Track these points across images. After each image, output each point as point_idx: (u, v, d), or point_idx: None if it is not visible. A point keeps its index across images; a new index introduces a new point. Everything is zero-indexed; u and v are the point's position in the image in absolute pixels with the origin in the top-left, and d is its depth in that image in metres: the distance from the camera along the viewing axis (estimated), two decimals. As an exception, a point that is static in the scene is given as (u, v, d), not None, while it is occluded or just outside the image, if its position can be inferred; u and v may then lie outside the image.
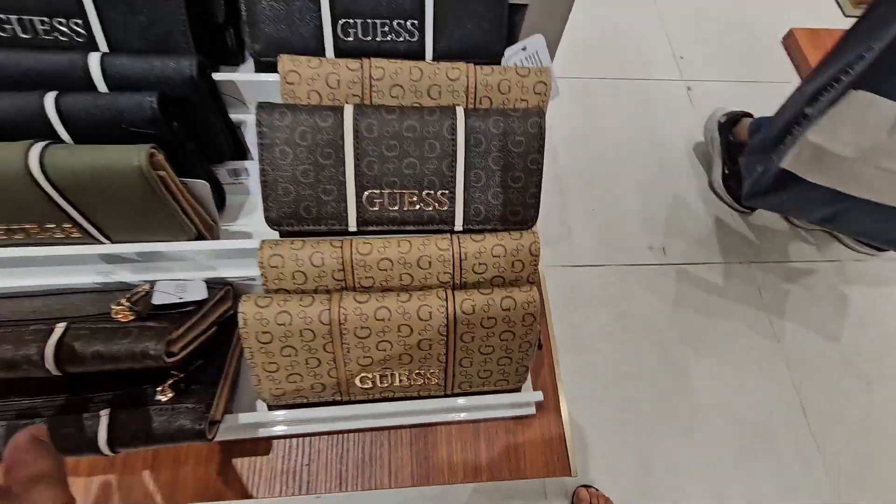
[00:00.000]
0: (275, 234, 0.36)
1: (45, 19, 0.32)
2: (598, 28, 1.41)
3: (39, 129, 0.29)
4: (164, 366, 0.28)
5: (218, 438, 0.34)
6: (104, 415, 0.30)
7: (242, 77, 0.36)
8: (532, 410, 0.40)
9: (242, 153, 0.40)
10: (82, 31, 0.33)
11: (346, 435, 0.39)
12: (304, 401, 0.34)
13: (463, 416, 0.39)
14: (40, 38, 0.33)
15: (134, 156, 0.28)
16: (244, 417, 0.35)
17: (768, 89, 1.43)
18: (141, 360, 0.28)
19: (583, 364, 0.95)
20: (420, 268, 0.33)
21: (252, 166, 0.40)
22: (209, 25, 0.37)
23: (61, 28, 0.33)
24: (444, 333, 0.32)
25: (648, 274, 1.09)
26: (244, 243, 0.33)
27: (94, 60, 0.30)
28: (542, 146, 0.34)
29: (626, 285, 1.06)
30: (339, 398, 0.35)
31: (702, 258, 1.11)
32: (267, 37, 0.36)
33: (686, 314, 1.04)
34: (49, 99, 0.29)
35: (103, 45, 0.34)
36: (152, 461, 0.36)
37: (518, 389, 0.38)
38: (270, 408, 0.35)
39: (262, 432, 0.36)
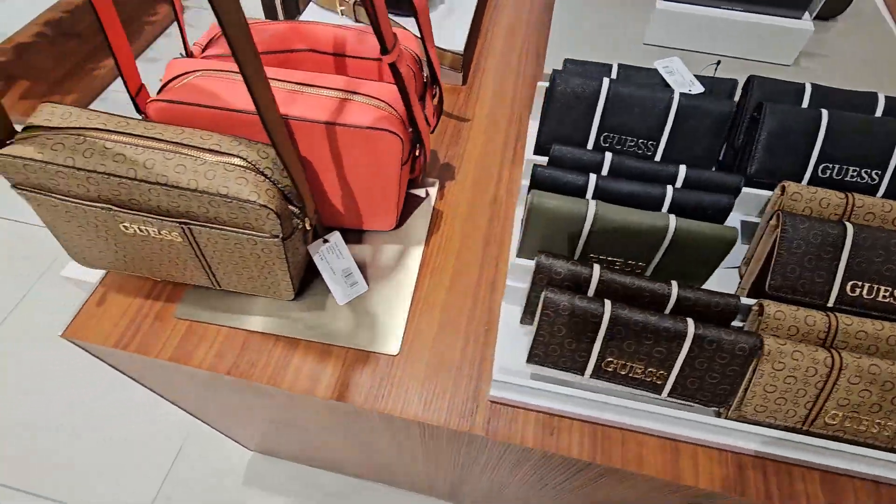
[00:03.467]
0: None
1: (634, 139, 0.53)
2: None
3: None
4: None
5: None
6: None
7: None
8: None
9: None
10: (651, 149, 0.53)
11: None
12: (772, 421, 0.47)
13: None
14: (625, 148, 0.54)
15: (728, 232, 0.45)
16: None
17: None
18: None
19: None
20: None
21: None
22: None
23: (640, 144, 0.53)
24: (917, 396, 0.43)
25: None
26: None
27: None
28: None
29: None
30: (800, 427, 0.46)
31: None
32: (762, 164, 0.53)
33: None
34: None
35: (658, 156, 0.53)
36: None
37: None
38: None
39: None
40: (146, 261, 0.53)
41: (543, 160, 0.55)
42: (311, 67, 0.56)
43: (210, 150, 0.44)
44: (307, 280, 0.61)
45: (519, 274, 0.53)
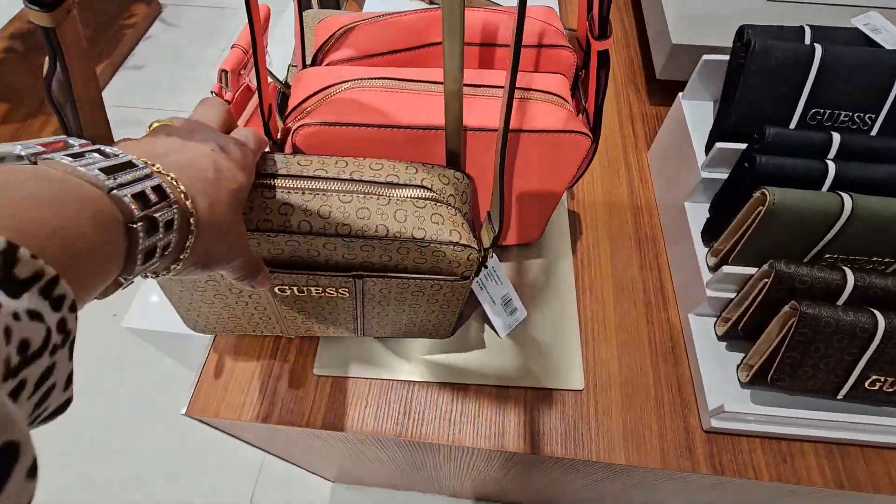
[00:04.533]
0: None
1: (848, 113, 0.45)
2: None
3: None
4: None
5: None
6: None
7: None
8: None
9: None
10: (867, 123, 0.46)
11: None
12: None
13: None
14: (836, 125, 0.46)
15: None
16: None
17: None
18: None
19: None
20: None
21: None
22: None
23: (855, 118, 0.45)
24: None
25: None
26: None
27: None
28: None
29: None
30: None
31: None
32: None
33: None
34: None
35: (874, 131, 0.46)
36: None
37: None
38: None
39: None
40: (286, 320, 0.44)
41: (735, 147, 0.47)
42: (451, 62, 0.46)
43: (389, 184, 0.35)
44: (454, 312, 0.52)
45: (727, 282, 0.46)
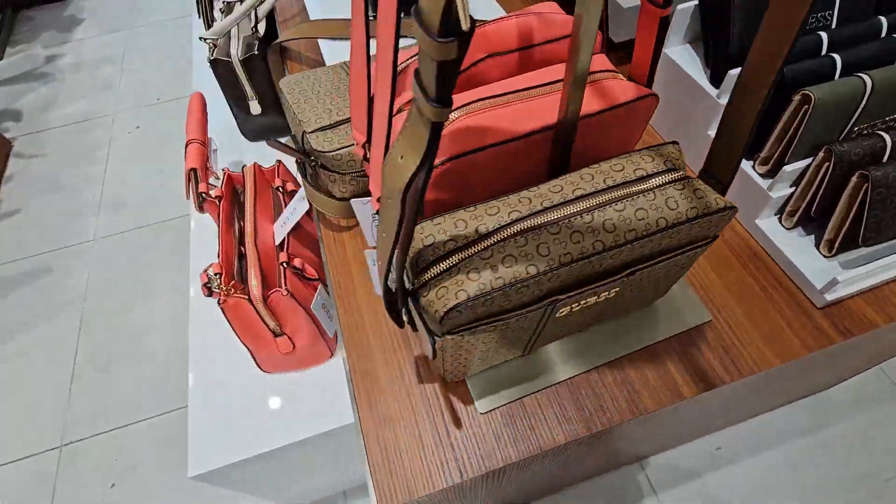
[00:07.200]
0: None
1: (814, 16, 0.54)
2: None
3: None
4: None
5: None
6: None
7: None
8: None
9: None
10: (828, 19, 0.55)
11: None
12: None
13: None
14: (808, 27, 0.55)
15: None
16: None
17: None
18: None
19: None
20: None
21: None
22: None
23: (819, 18, 0.55)
24: None
25: None
26: None
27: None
28: None
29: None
30: None
31: None
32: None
33: None
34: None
35: (834, 23, 0.55)
36: None
37: None
38: None
39: None
40: (538, 341, 0.45)
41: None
42: (497, 75, 0.48)
43: (641, 178, 0.37)
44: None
45: (786, 180, 0.52)
